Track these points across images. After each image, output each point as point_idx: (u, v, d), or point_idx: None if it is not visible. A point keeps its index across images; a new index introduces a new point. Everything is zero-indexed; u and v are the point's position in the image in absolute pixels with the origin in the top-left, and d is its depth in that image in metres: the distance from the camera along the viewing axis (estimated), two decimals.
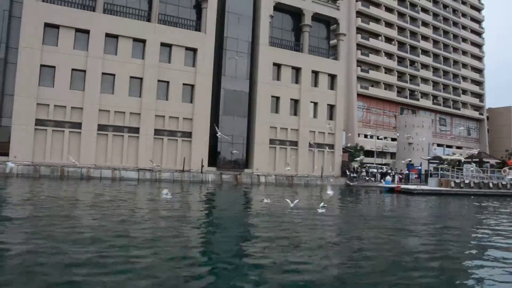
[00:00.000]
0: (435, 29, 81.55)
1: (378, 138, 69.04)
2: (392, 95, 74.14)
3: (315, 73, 45.93)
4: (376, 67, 72.91)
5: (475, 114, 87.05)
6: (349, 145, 57.45)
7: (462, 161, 52.12)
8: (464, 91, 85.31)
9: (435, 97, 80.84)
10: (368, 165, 62.22)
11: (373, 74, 71.51)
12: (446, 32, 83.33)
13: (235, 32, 41.47)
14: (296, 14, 45.86)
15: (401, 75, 76.09)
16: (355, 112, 69.27)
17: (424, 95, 79.13)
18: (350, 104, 69.67)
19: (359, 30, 70.64)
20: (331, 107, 46.90)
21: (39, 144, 33.97)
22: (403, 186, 36.08)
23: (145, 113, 37.21)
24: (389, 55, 74.58)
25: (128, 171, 35.05)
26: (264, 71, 42.30)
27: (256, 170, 41.00)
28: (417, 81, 77.76)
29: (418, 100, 77.55)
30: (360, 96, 70.87)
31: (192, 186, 33.77)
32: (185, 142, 38.83)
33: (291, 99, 44.16)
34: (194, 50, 39.57)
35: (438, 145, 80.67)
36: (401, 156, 55.89)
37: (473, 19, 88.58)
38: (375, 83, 73.04)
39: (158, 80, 37.97)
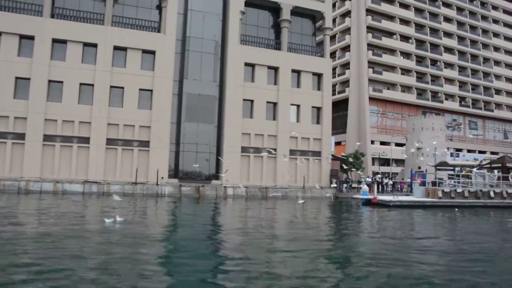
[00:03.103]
0: (460, 24, 74.17)
1: (396, 145, 62.93)
2: (411, 97, 67.60)
3: (297, 73, 41.41)
4: (392, 68, 66.87)
5: None
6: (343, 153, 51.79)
7: (481, 166, 45.37)
8: (498, 91, 76.77)
9: (462, 98, 73.19)
10: (379, 175, 56.56)
11: (387, 76, 65.52)
12: (473, 28, 75.63)
13: (199, 32, 38.04)
14: (274, 9, 41.76)
15: (421, 76, 69.41)
16: (367, 117, 63.45)
17: (450, 96, 71.75)
18: (361, 109, 64.11)
19: (370, 28, 65.21)
20: (318, 110, 42.06)
21: None
22: (380, 197, 30.54)
23: (96, 121, 34.37)
24: (407, 55, 68.31)
25: (72, 184, 32.13)
26: (233, 72, 38.42)
27: (225, 181, 36.89)
28: (440, 82, 70.66)
29: (442, 102, 70.38)
30: (373, 99, 65.06)
31: (144, 200, 30.27)
32: (142, 152, 35.53)
33: (267, 102, 39.82)
34: (153, 53, 36.49)
35: (469, 151, 72.77)
36: (409, 163, 49.72)
37: (506, 12, 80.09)
38: (391, 85, 67.00)
39: (111, 86, 35.13)
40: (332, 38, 69.80)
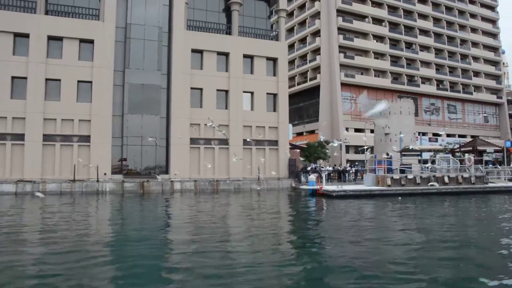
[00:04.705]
0: (435, 5, 71.95)
1: (372, 132, 61.04)
2: (386, 82, 65.54)
3: (250, 58, 39.41)
4: (364, 52, 64.77)
5: (492, 98, 75.97)
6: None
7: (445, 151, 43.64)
8: (477, 73, 74.77)
9: (440, 81, 71.16)
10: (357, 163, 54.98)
11: (360, 60, 63.41)
12: (449, 8, 73.41)
13: (141, 18, 35.95)
14: None
15: (396, 60, 67.31)
16: (339, 104, 61.45)
17: (427, 80, 69.76)
18: (333, 95, 62.12)
19: (340, 12, 62.99)
20: (274, 96, 40.11)
21: None
22: (325, 187, 28.67)
23: (31, 117, 32.40)
24: (380, 38, 66.18)
25: (3, 184, 30.17)
26: (179, 59, 36.40)
27: (174, 175, 35.08)
28: (416, 65, 68.65)
29: (418, 86, 68.36)
30: (346, 85, 62.98)
31: (81, 198, 28.43)
32: (82, 148, 33.61)
33: (218, 90, 37.84)
34: (91, 42, 34.44)
35: (448, 135, 70.91)
36: (378, 149, 47.81)
37: None
38: (364, 70, 64.88)
39: (47, 79, 33.13)
40: (303, 23, 67.90)
